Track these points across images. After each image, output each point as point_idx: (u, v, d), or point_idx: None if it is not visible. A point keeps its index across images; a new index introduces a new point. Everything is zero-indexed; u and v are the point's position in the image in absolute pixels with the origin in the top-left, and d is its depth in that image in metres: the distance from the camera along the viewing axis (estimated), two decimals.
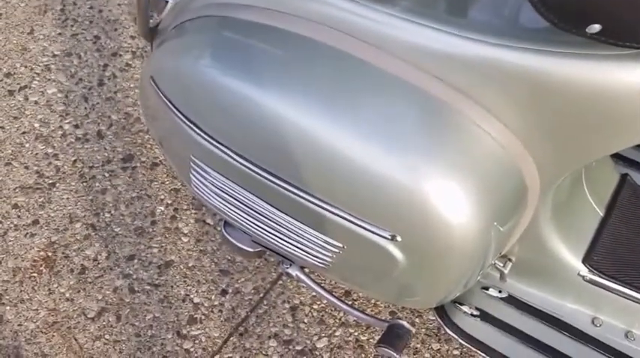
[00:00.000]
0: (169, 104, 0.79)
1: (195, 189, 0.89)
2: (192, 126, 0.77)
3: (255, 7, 0.74)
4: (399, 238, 0.71)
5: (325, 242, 0.79)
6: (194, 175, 0.86)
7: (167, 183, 1.44)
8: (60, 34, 1.68)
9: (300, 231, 0.80)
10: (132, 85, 1.58)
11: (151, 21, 0.85)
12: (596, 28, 0.56)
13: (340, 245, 0.77)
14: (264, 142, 0.73)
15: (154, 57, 0.82)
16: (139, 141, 1.50)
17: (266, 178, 0.76)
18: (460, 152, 0.68)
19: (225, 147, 0.76)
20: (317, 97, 0.69)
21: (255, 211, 0.83)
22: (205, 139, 0.77)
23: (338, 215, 0.73)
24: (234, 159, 0.76)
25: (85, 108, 1.56)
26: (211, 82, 0.73)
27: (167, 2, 0.85)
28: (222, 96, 0.73)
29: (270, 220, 0.82)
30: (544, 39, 0.62)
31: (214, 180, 0.83)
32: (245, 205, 0.83)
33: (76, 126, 1.53)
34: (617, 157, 0.94)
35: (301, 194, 0.74)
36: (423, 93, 0.68)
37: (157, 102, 0.81)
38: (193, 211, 1.40)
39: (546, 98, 0.64)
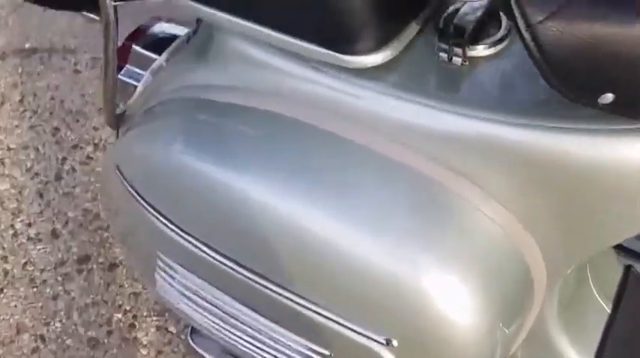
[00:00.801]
0: (136, 194, 0.74)
1: (161, 291, 0.82)
2: (160, 217, 0.72)
3: (228, 87, 0.70)
4: (394, 343, 0.65)
5: (309, 349, 0.72)
6: (160, 274, 0.79)
7: (126, 286, 1.35)
8: (17, 126, 1.63)
9: (279, 337, 0.74)
10: (92, 179, 1.52)
11: (118, 109, 0.82)
12: (609, 97, 0.51)
13: (327, 352, 0.71)
14: (242, 234, 0.67)
15: (120, 144, 0.78)
16: (97, 240, 1.42)
17: (242, 275, 0.69)
18: (461, 241, 0.63)
19: (198, 240, 0.71)
20: (300, 182, 0.65)
21: (228, 314, 0.76)
22: (175, 232, 0.72)
23: (324, 316, 0.67)
24: (207, 254, 0.71)
25: (40, 204, 1.48)
26: (183, 168, 0.68)
27: (136, 87, 0.82)
28: (195, 183, 0.68)
29: (245, 324, 0.76)
30: (544, 113, 0.58)
31: (183, 280, 0.77)
32: (217, 307, 0.77)
33: (29, 225, 1.44)
34: (619, 248, 0.91)
35: (282, 293, 0.68)
36: (416, 174, 0.63)
37: (122, 193, 0.76)
38: (155, 318, 1.29)
39: (549, 178, 0.60)
